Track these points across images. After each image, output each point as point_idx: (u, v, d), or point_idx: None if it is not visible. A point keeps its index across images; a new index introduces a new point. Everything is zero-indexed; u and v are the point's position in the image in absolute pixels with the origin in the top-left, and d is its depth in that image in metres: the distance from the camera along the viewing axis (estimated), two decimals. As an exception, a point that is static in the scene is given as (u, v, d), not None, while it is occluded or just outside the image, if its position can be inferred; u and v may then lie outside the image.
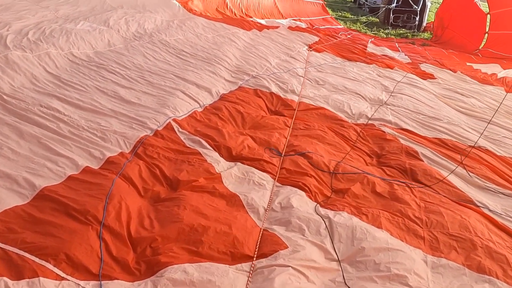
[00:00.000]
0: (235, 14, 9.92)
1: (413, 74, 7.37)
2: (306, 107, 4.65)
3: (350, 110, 4.87)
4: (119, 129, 3.26)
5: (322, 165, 3.36)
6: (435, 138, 4.46)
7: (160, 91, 4.20)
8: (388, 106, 5.23)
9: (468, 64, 9.57)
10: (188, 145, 3.31)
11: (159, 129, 3.43)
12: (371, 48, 9.23)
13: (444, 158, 3.93)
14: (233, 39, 7.18)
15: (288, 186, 3.00)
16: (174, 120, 3.61)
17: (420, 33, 14.19)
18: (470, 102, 6.19)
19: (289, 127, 4.07)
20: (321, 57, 7.40)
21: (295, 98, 4.89)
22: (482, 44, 11.69)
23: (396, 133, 4.32)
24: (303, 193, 2.94)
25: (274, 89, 5.05)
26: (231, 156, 3.31)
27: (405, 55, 9.11)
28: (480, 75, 8.42)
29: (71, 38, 5.13)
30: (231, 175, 3.01)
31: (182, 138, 3.40)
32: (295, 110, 4.54)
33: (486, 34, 11.71)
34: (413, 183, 3.35)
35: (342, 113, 4.79)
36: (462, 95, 6.56)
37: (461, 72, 8.29)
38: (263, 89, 4.92)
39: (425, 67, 8.20)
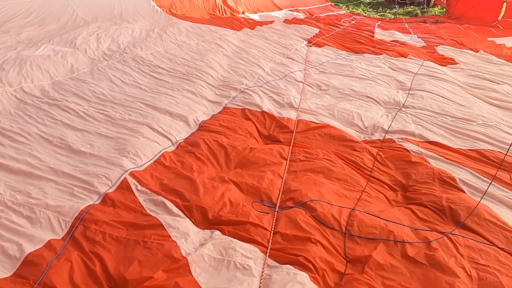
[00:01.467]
0: (225, 12, 9.02)
1: (431, 61, 6.40)
2: (306, 126, 3.76)
3: (362, 122, 3.96)
4: (54, 202, 2.43)
5: (330, 219, 2.48)
6: (472, 149, 3.54)
7: (120, 130, 3.36)
8: (408, 110, 4.30)
9: (489, 39, 8.53)
10: (148, 212, 2.46)
11: (109, 191, 2.59)
12: (379, 34, 8.26)
13: (488, 180, 3.02)
14: (220, 43, 6.31)
15: (284, 266, 2.13)
16: (132, 174, 2.76)
17: (430, 9, 13.07)
18: (503, 90, 5.22)
19: (286, 160, 3.19)
20: (323, 52, 6.47)
21: (293, 115, 4.00)
22: (501, 14, 10.57)
23: (422, 150, 3.41)
24: (305, 275, 2.07)
25: (267, 105, 4.17)
26: (207, 220, 2.45)
27: (418, 37, 8.11)
28: (506, 52, 7.40)
29: (24, 68, 4.33)
30: (204, 258, 2.15)
31: (140, 200, 2.56)
32: (293, 132, 3.65)
33: (505, 3, 10.58)
34: (456, 232, 2.45)
35: (352, 127, 3.89)
36: (491, 81, 5.58)
37: (484, 51, 7.29)
38: (252, 108, 4.04)
39: (443, 50, 7.21)
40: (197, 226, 2.42)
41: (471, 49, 7.40)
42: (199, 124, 3.68)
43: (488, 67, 6.29)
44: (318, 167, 3.09)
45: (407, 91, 4.88)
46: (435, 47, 7.36)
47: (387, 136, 3.72)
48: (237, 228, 2.37)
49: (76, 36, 5.63)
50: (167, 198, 2.55)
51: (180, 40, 6.27)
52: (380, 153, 3.38)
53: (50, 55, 4.96)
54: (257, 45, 6.48)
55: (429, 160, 3.28)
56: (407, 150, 3.43)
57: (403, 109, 4.37)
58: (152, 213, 2.45)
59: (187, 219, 2.44)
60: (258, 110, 4.01)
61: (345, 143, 3.50)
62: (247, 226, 2.38)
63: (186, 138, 3.43)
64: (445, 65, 6.30)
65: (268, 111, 3.98)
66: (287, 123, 3.79)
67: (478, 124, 4.05)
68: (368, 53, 6.56)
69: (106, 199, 2.51)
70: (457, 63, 6.41)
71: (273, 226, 2.43)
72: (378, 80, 5.25)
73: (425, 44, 7.58)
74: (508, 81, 5.63)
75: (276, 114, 3.95)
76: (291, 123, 3.81)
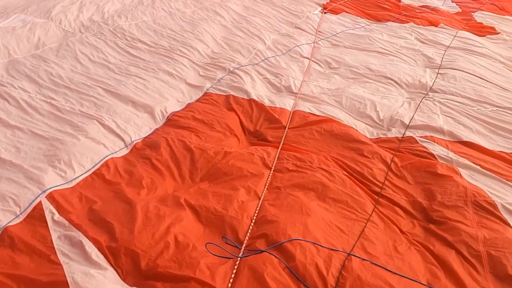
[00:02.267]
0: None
1: (467, 30, 5.39)
2: (303, 119, 2.96)
3: (377, 113, 3.14)
4: None
5: (313, 273, 1.73)
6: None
7: (62, 128, 2.64)
8: (436, 96, 3.44)
9: (537, 3, 7.32)
10: (58, 258, 1.76)
11: (13, 223, 1.89)
12: (407, -2, 7.15)
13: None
14: (219, 11, 5.45)
15: None
16: (52, 195, 2.05)
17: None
18: (557, 68, 4.24)
19: (270, 169, 2.42)
20: (339, 20, 5.53)
21: (289, 104, 3.20)
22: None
23: (453, 156, 2.59)
24: None
25: (259, 90, 3.38)
26: (138, 272, 1.73)
27: (452, 1, 6.99)
28: (558, 19, 6.26)
29: (-22, 43, 3.65)
30: None
31: (54, 237, 1.86)
32: (285, 128, 2.86)
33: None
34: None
35: (363, 119, 3.08)
36: (542, 56, 4.59)
37: (531, 17, 6.19)
38: (239, 95, 3.25)
39: (481, 17, 6.14)
40: (123, 281, 1.71)
41: (515, 15, 6.31)
42: (167, 117, 2.93)
43: (537, 37, 5.26)
44: (310, 181, 2.31)
45: (437, 70, 3.97)
46: (472, 14, 6.29)
47: (408, 133, 2.89)
48: (177, 287, 1.65)
49: (56, 4, 4.89)
50: (87, 236, 1.84)
51: (174, 8, 5.43)
52: (395, 159, 2.56)
53: (15, 27, 4.26)
54: (262, 13, 5.59)
55: (461, 171, 2.46)
56: (433, 156, 2.60)
57: (430, 94, 3.50)
58: (62, 260, 1.74)
59: (110, 270, 1.72)
60: (245, 97, 3.21)
61: (350, 144, 2.69)
62: (191, 286, 1.65)
63: (145, 137, 2.69)
64: (484, 35, 5.29)
65: (257, 99, 3.18)
66: (279, 116, 3.00)
67: (527, 115, 3.16)
68: (392, 21, 5.59)
69: (4, 237, 1.82)
70: (499, 33, 5.38)
71: (231, 281, 1.69)
72: (401, 55, 4.34)
73: (460, 10, 6.50)
74: (562, 55, 4.62)
75: (267, 103, 3.15)
76: (285, 115, 3.01)
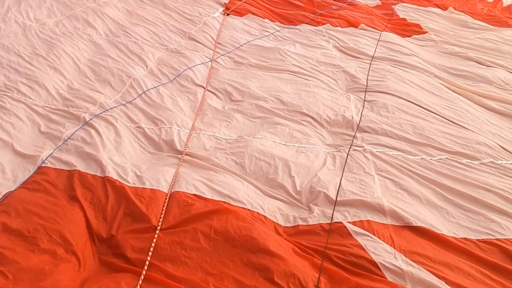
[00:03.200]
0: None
1: (390, 30, 4.66)
2: (184, 211, 1.98)
3: (292, 181, 2.24)
4: None
5: None
6: (487, 241, 1.90)
7: None
8: (366, 141, 2.60)
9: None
10: None
11: None
12: (320, -11, 6.32)
13: None
14: (92, 20, 4.27)
15: None
16: None
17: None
18: (498, 79, 3.59)
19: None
20: (243, 26, 4.56)
21: (169, 176, 2.19)
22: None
23: (403, 264, 1.74)
24: None
25: (125, 153, 2.33)
26: None
27: (371, -8, 6.25)
28: (482, 9, 5.75)
29: None
30: None
31: None
32: (155, 231, 1.85)
33: None
34: None
35: (274, 192, 2.17)
36: (478, 62, 3.93)
37: (455, 8, 5.61)
38: (89, 169, 2.18)
39: (403, 10, 5.47)
40: None
41: (438, 6, 5.69)
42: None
43: (467, 35, 4.64)
44: None
45: (363, 96, 3.14)
46: (393, 7, 5.59)
47: (336, 215, 2.00)
48: None
49: None
50: None
51: (33, 18, 4.17)
52: (323, 280, 1.66)
53: None
54: (148, 19, 4.47)
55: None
56: (375, 266, 1.73)
57: (359, 135, 2.65)
58: None
59: None
60: (98, 173, 2.15)
61: (255, 258, 1.75)
62: None
63: None
64: (410, 36, 4.60)
65: (116, 176, 2.13)
66: (147, 206, 1.98)
67: (484, 164, 2.40)
68: (306, 23, 4.71)
69: None
70: (426, 32, 4.70)
71: None
72: (319, 74, 3.48)
73: (379, 3, 5.78)
74: (498, 60, 3.99)
75: (131, 182, 2.12)
76: (157, 205, 2.00)
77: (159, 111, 2.82)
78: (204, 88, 3.20)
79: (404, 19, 5.10)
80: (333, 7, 5.30)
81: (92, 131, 2.46)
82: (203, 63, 3.61)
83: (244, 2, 5.29)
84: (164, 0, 5.05)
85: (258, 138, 2.54)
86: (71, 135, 2.43)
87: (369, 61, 3.73)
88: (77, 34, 3.90)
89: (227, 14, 4.88)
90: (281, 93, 3.09)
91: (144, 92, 3.03)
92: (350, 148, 2.50)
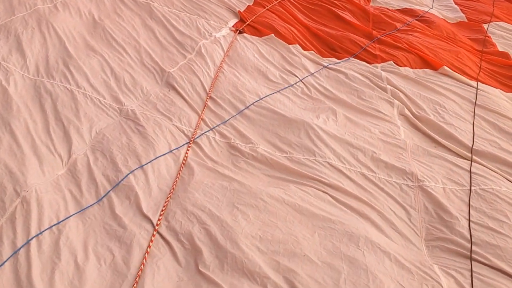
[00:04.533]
0: None
1: (488, 78, 2.96)
2: None
3: None
4: None
5: None
6: None
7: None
8: None
9: None
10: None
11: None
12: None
13: None
14: (25, 39, 2.77)
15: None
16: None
17: None
18: None
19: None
20: (257, 60, 2.94)
21: None
22: None
23: None
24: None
25: None
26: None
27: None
28: None
29: None
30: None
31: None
32: None
33: None
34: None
35: None
36: None
37: None
38: None
39: (501, 36, 3.70)
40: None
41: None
42: None
43: None
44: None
45: (467, 271, 1.54)
46: (485, 27, 3.81)
47: None
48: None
49: None
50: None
51: None
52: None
53: None
54: (115, 39, 2.94)
55: None
56: None
57: None
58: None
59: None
60: None
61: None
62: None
63: None
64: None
65: None
66: None
67: None
68: (356, 57, 3.05)
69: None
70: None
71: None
72: (374, 195, 1.89)
73: (464, 18, 3.98)
74: None
75: None
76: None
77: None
78: (155, 229, 1.67)
79: (506, 54, 3.35)
80: (399, 26, 3.57)
81: None
82: (172, 151, 2.06)
83: (268, 10, 3.65)
84: (153, 3, 3.45)
85: None
86: None
87: (466, 163, 2.09)
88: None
89: (239, 32, 3.26)
90: (299, 265, 1.52)
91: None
92: None
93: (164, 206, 1.75)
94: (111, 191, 1.81)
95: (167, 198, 1.80)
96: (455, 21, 3.95)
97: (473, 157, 2.12)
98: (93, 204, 1.76)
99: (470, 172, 2.02)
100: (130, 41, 3.00)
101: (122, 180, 1.85)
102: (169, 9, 3.46)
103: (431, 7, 4.12)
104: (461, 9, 4.09)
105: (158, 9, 3.41)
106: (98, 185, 1.84)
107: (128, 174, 1.88)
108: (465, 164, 2.09)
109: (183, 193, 1.81)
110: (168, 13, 3.39)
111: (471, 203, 1.85)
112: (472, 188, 1.92)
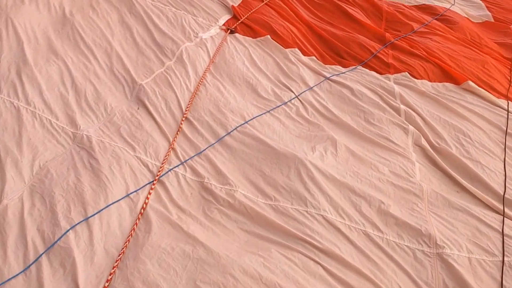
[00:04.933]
0: None
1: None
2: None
3: None
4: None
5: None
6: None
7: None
8: None
9: None
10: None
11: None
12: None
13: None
14: None
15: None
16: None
17: None
18: None
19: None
20: (247, 68, 2.50)
21: None
22: None
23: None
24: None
25: None
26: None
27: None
28: None
29: None
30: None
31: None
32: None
33: None
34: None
35: None
36: None
37: None
38: None
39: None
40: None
41: None
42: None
43: None
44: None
45: None
46: (514, 28, 3.32)
47: None
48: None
49: None
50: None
51: None
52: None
53: None
54: (84, 40, 2.52)
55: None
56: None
57: None
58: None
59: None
60: None
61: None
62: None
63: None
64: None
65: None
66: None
67: None
68: (365, 66, 2.60)
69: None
70: None
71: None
72: (383, 272, 1.46)
73: (491, 18, 3.47)
74: None
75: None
76: None
77: None
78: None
79: (540, 63, 2.88)
80: (416, 27, 3.09)
81: None
82: (129, 195, 1.65)
83: (265, 4, 3.18)
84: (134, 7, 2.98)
85: None
86: None
87: (497, 218, 1.67)
88: None
89: (230, 31, 2.82)
90: None
91: None
92: None
93: (107, 281, 1.36)
94: (42, 255, 1.42)
95: (113, 267, 1.40)
96: (480, 21, 3.47)
97: (506, 210, 1.69)
98: (17, 275, 1.37)
99: (503, 234, 1.59)
100: (102, 42, 2.57)
101: (59, 239, 1.46)
102: (152, 2, 3.01)
103: (453, 3, 3.62)
104: (487, 6, 3.59)
105: (140, 2, 2.97)
106: (28, 245, 1.45)
107: (68, 230, 1.48)
108: (496, 220, 1.66)
109: (133, 261, 1.41)
110: (151, 7, 2.94)
111: (504, 281, 1.43)
112: (506, 259, 1.49)
